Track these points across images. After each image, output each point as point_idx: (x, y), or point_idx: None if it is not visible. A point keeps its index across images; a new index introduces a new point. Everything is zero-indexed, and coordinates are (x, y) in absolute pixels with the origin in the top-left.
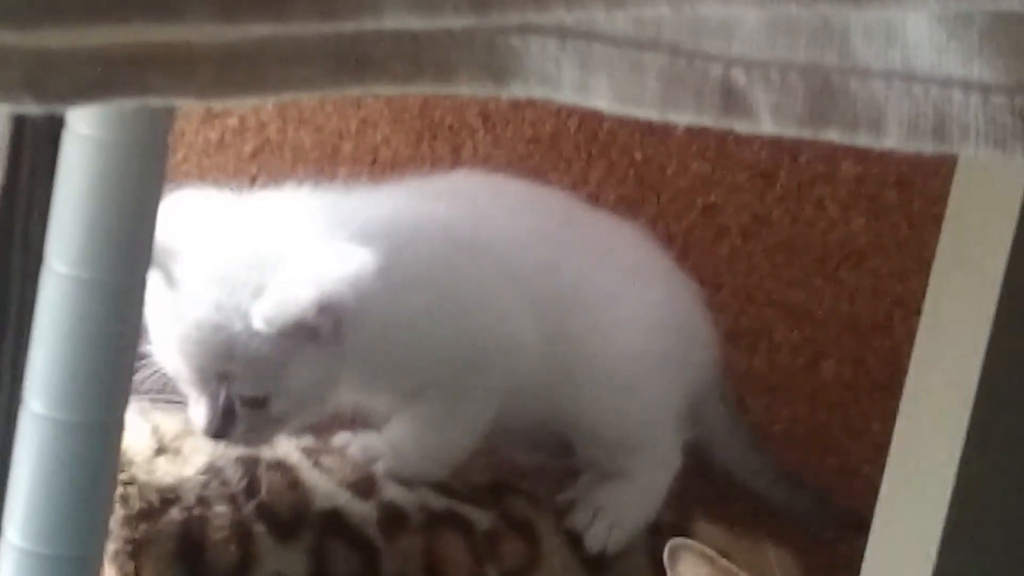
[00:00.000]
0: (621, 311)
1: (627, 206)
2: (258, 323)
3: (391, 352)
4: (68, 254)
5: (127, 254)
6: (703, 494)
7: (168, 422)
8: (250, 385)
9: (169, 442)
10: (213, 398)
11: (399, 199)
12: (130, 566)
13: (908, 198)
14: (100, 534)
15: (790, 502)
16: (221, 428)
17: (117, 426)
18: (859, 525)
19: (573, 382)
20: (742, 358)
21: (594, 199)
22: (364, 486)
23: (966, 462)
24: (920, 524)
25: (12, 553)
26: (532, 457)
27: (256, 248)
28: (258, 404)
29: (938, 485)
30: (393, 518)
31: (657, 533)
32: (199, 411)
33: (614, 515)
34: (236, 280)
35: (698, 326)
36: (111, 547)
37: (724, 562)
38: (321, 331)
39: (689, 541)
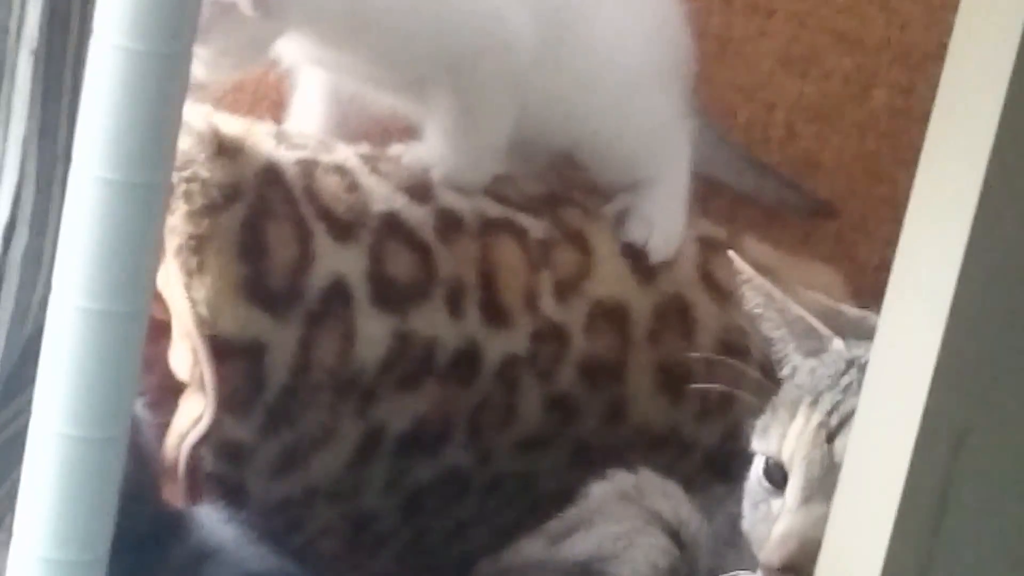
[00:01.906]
0: (621, 22)
1: None
2: None
3: (366, 34)
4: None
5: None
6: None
7: (229, 123)
8: None
9: (230, 142)
10: None
11: None
12: (193, 261)
13: None
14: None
15: (771, 192)
16: None
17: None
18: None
19: (579, 93)
20: (793, 84)
21: None
22: (421, 191)
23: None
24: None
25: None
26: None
27: None
28: None
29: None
30: (449, 222)
31: (706, 247)
32: None
33: (663, 222)
34: None
35: (685, 39)
36: (175, 242)
37: (755, 276)
38: None
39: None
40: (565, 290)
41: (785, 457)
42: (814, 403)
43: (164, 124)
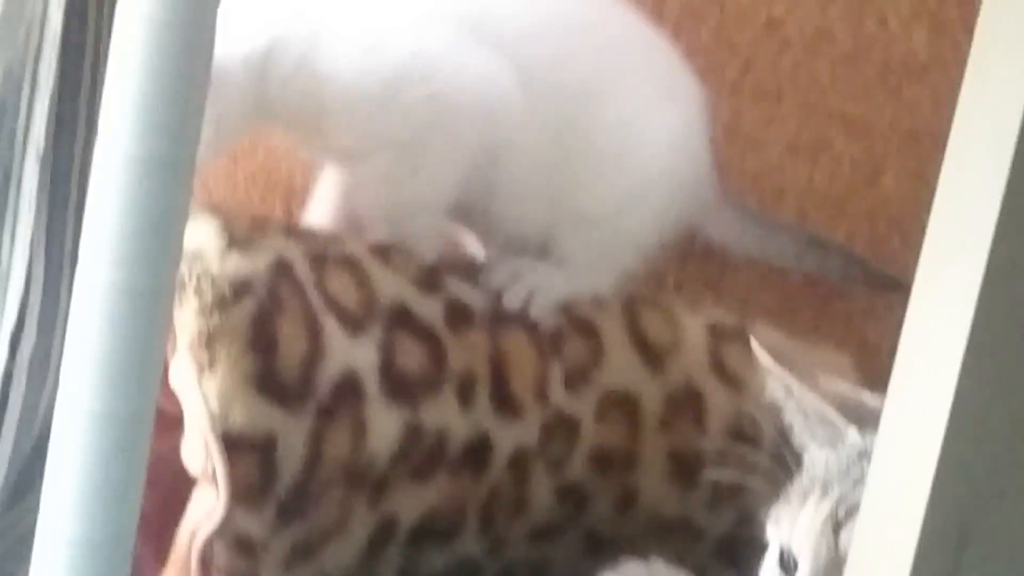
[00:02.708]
0: (633, 119)
1: (690, 19)
2: None
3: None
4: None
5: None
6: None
7: (238, 218)
8: None
9: (240, 236)
10: None
11: None
12: (205, 355)
13: (969, 13)
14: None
15: (821, 265)
16: None
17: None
18: (894, 285)
19: (572, 172)
20: (803, 171)
21: (657, 15)
22: (431, 282)
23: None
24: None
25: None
26: None
27: None
28: None
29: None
30: (459, 313)
31: (717, 334)
32: None
33: (536, 283)
34: None
35: (701, 143)
36: (186, 337)
37: (774, 366)
38: None
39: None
40: (575, 380)
41: (795, 546)
42: (824, 493)
43: (169, 227)
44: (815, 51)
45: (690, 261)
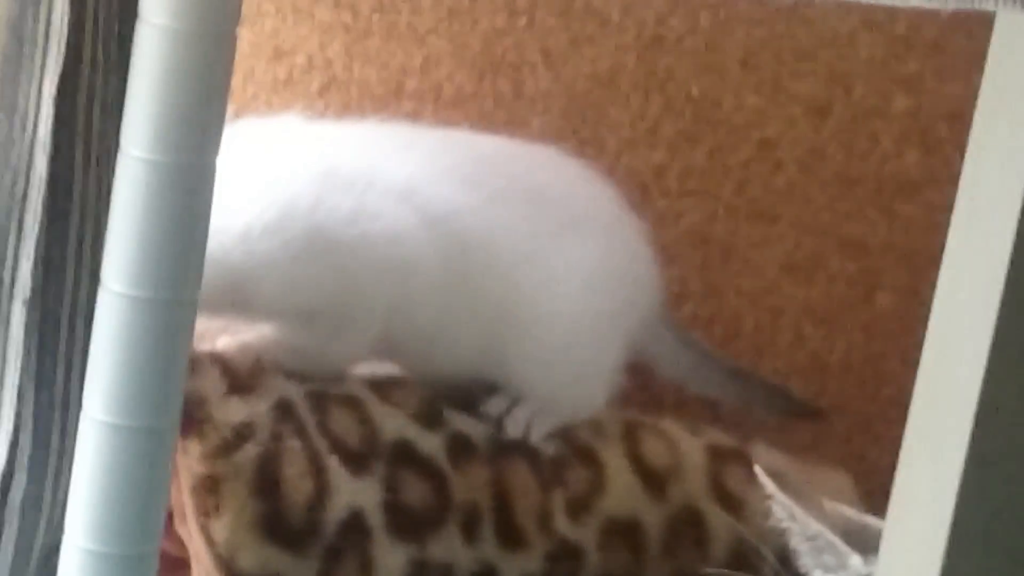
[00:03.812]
0: (557, 265)
1: (685, 141)
2: None
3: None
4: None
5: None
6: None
7: (239, 360)
8: None
9: (242, 381)
10: None
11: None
12: (209, 501)
13: (960, 131)
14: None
15: (748, 396)
16: None
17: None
18: (816, 413)
19: (506, 334)
20: (799, 290)
21: (652, 134)
22: (432, 418)
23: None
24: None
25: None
26: None
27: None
28: None
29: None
30: (461, 447)
31: (716, 455)
32: None
33: (534, 408)
34: None
35: (641, 270)
36: (189, 482)
37: (777, 492)
38: None
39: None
40: (578, 508)
41: None
42: None
43: (170, 371)
44: (809, 171)
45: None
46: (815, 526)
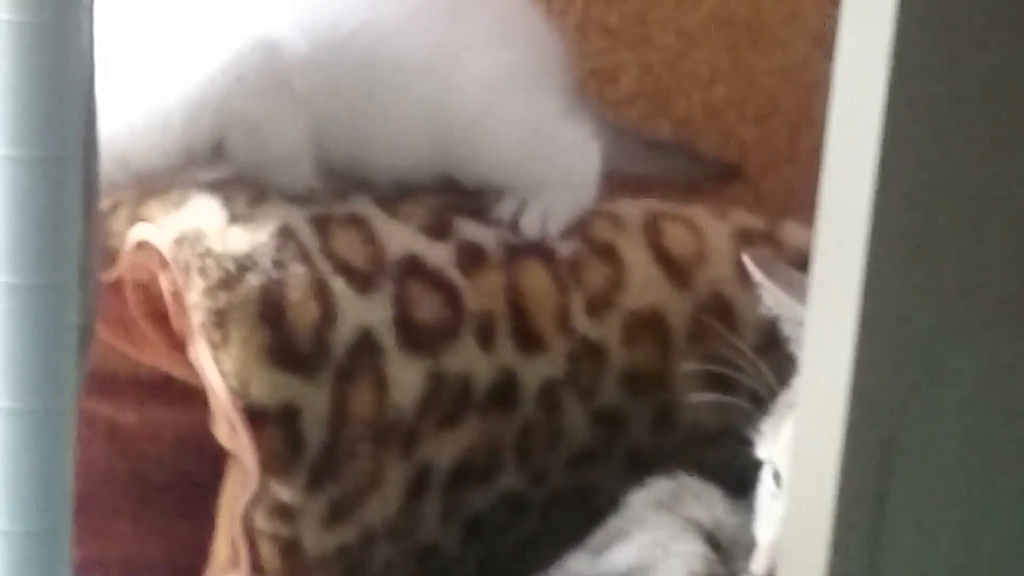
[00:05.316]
0: (481, 67)
1: None
2: None
3: None
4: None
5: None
6: None
7: (239, 192)
8: None
9: (241, 211)
10: None
11: None
12: (217, 334)
13: None
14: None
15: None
16: None
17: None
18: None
19: (419, 112)
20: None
21: None
22: (440, 229)
23: None
24: None
25: None
26: None
27: None
28: None
29: None
30: (471, 256)
31: (744, 239)
32: None
33: (545, 203)
34: None
35: (549, 37)
36: (197, 318)
37: (765, 280)
38: None
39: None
40: (598, 306)
41: (777, 460)
42: None
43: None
44: None
45: None
46: (802, 312)
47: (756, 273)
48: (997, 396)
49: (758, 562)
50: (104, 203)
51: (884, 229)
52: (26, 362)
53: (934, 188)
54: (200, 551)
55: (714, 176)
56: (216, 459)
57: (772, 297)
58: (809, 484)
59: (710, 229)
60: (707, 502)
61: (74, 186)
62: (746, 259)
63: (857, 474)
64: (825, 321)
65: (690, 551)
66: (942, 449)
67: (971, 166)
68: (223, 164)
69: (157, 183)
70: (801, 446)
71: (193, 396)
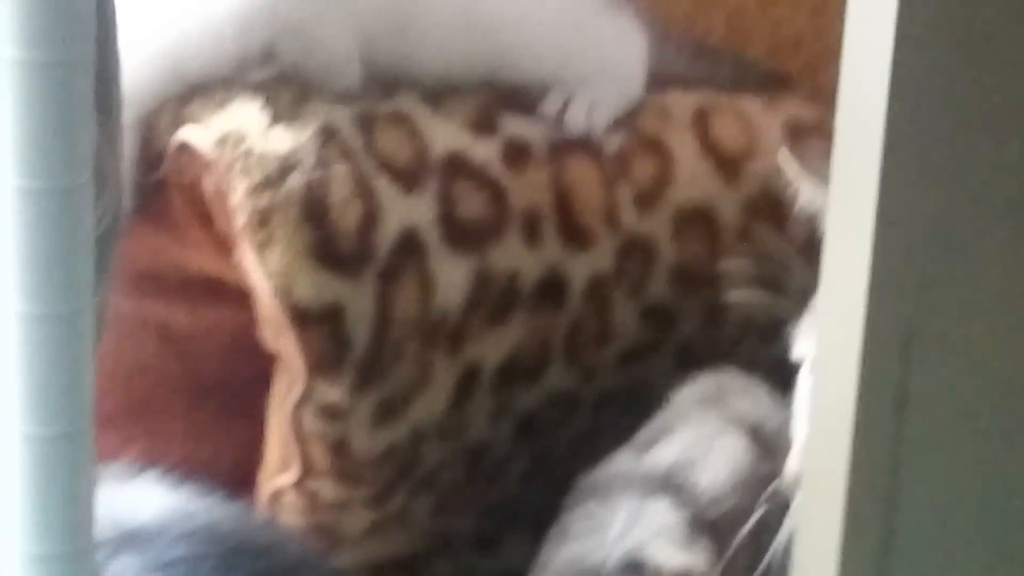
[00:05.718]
0: None
1: None
2: None
3: None
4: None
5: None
6: None
7: (283, 92)
8: None
9: (284, 111)
10: None
11: None
12: (260, 234)
13: None
14: None
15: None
16: None
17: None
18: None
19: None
20: None
21: None
22: (485, 125)
23: None
24: None
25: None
26: None
27: None
28: None
29: None
30: (516, 152)
31: (795, 131)
32: None
33: (591, 96)
34: None
35: None
36: (241, 219)
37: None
38: None
39: None
40: (646, 200)
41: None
42: None
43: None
44: None
45: None
46: None
47: (792, 167)
48: (1017, 289)
49: (795, 459)
50: (149, 107)
51: (901, 122)
52: (43, 266)
53: (951, 73)
54: (254, 452)
55: (760, 84)
56: (268, 360)
57: (810, 191)
58: (831, 378)
59: (761, 121)
60: (753, 398)
61: (85, 89)
62: (783, 153)
63: (878, 369)
64: (845, 215)
65: (733, 447)
66: (962, 343)
67: (992, 52)
68: (271, 66)
69: (210, 90)
70: (823, 340)
71: (244, 297)
